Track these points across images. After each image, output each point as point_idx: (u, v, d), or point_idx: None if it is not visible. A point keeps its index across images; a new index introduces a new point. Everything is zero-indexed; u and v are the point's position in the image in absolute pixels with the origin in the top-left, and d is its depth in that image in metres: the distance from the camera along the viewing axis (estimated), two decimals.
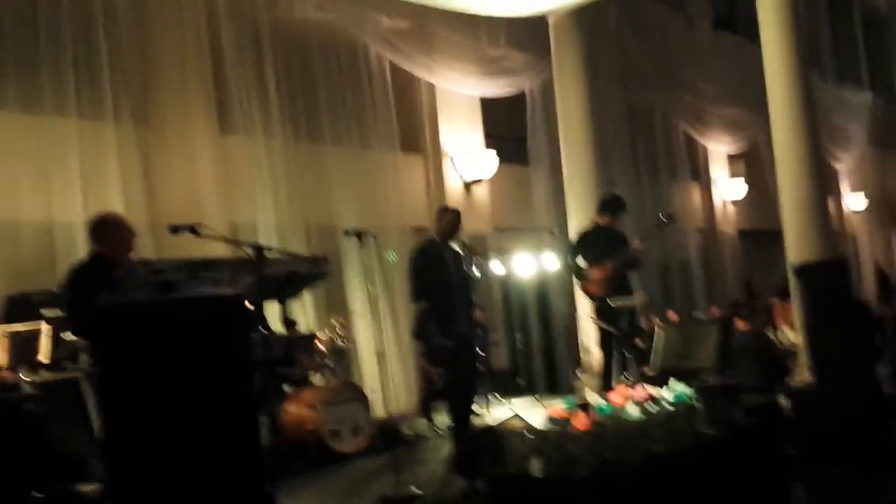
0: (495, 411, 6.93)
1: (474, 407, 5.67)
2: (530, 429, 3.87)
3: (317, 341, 5.68)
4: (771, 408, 6.07)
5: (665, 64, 12.57)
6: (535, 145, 10.78)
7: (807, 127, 6.91)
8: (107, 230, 4.13)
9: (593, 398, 4.35)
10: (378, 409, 6.86)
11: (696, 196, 14.08)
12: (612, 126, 11.57)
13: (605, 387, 6.21)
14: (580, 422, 3.70)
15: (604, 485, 3.58)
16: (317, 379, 6.01)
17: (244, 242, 3.54)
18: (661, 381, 5.52)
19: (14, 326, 4.57)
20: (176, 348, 2.27)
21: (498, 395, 7.83)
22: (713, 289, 13.68)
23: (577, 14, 8.86)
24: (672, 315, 8.39)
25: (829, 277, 5.93)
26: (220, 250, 4.59)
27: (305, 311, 7.05)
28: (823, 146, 7.68)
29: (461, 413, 5.53)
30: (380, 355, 5.62)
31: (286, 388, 5.90)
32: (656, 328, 6.32)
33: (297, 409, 5.63)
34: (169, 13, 7.24)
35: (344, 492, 4.64)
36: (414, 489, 4.31)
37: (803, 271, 5.93)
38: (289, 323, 4.02)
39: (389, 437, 6.10)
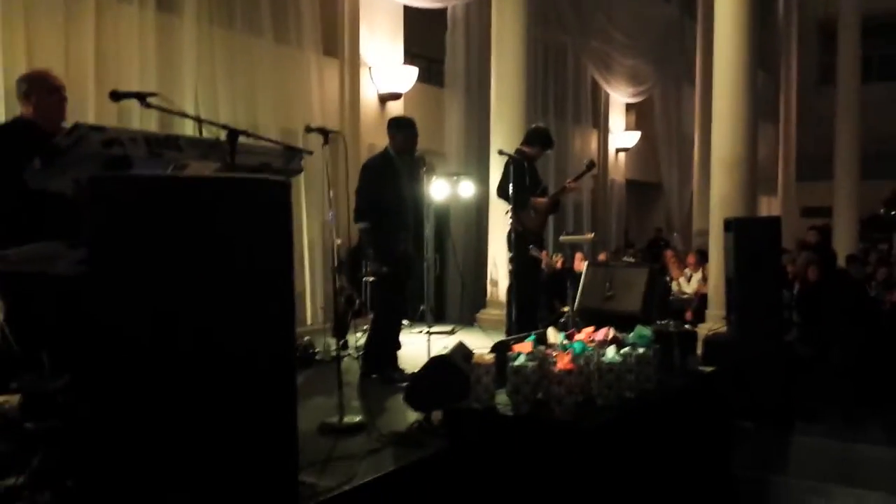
0: (411, 338, 6.62)
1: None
2: (499, 362, 3.59)
3: None
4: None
5: (579, 6, 12.42)
6: (452, 67, 10.41)
7: (746, 84, 7.12)
8: (31, 89, 3.42)
9: (555, 336, 4.13)
10: None
11: (593, 142, 14.20)
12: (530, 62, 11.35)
13: (524, 323, 5.99)
14: (563, 361, 3.46)
15: (578, 428, 3.37)
16: None
17: (215, 123, 2.97)
18: (584, 321, 5.41)
19: None
20: (202, 241, 1.74)
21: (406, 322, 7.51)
22: (597, 233, 13.95)
23: None
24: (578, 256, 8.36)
25: (762, 233, 6.00)
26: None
27: None
28: None
29: (388, 338, 5.19)
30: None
31: None
32: (585, 267, 6.18)
33: None
34: None
35: None
36: (353, 417, 3.96)
37: (737, 225, 5.93)
38: None
39: (302, 356, 5.69)
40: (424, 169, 5.02)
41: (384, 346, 5.16)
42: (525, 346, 3.73)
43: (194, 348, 1.83)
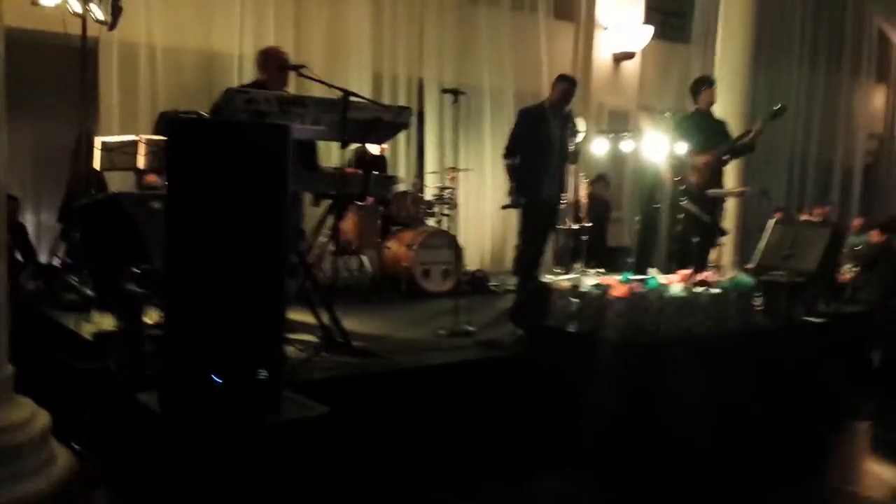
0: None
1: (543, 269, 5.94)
2: (575, 291, 4.18)
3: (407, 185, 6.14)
4: (861, 316, 5.99)
5: None
6: (700, 22, 10.32)
7: None
8: (268, 62, 4.65)
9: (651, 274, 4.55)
10: (472, 259, 7.66)
11: (878, 98, 12.94)
12: (790, 10, 10.84)
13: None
14: (618, 290, 3.96)
15: (627, 347, 3.88)
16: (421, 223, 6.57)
17: (334, 85, 3.92)
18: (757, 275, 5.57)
19: (162, 138, 5.27)
20: (226, 164, 2.68)
21: (604, 270, 8.02)
22: (875, 198, 12.76)
23: None
24: (777, 214, 8.17)
25: None
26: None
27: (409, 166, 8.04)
28: None
29: (526, 269, 5.77)
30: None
31: (392, 227, 6.52)
32: (769, 223, 6.24)
33: (396, 247, 6.19)
34: None
35: (411, 322, 5.15)
36: (468, 327, 4.74)
37: None
38: (370, 165, 4.47)
39: (475, 285, 6.59)
40: (571, 125, 5.51)
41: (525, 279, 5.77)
42: (609, 280, 4.27)
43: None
